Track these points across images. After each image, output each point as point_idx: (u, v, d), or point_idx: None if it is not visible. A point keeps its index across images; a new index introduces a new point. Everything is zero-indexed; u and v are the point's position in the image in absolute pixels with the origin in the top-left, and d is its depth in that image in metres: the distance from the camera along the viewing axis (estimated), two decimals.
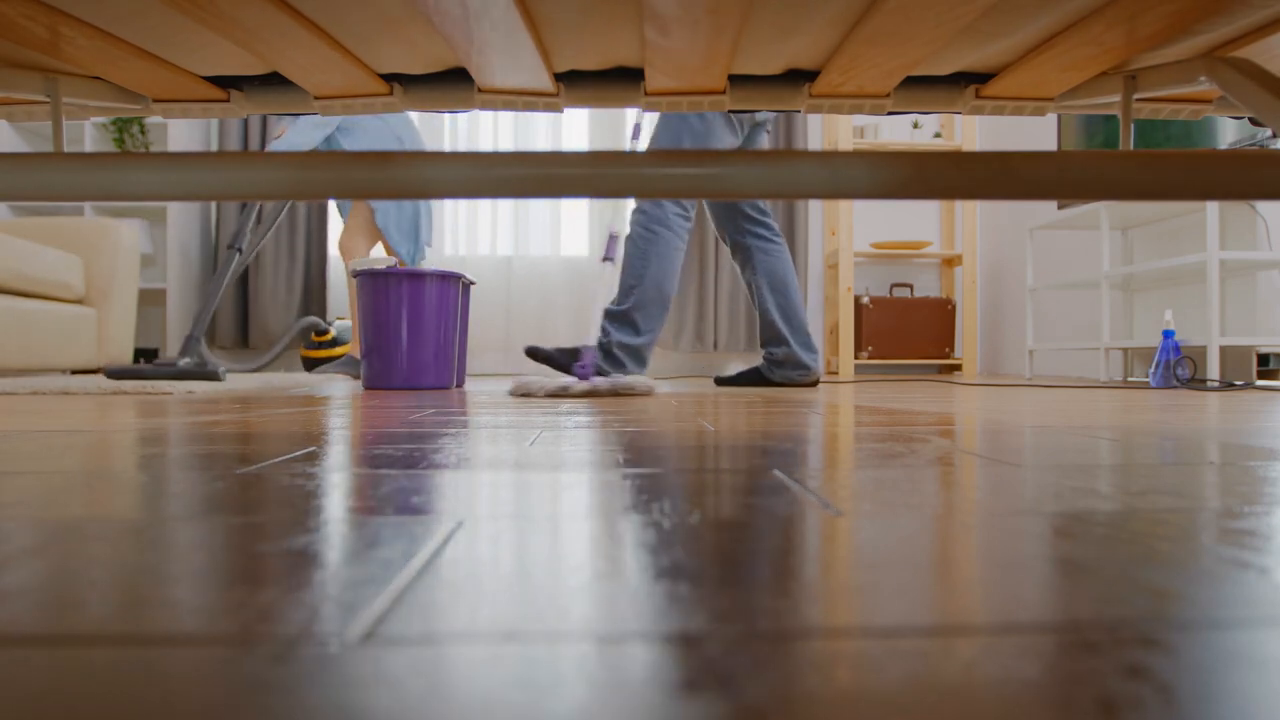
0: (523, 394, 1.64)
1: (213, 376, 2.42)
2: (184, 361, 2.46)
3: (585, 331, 3.95)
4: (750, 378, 2.26)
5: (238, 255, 2.75)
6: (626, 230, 2.05)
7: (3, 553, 0.32)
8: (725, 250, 4.07)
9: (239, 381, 2.41)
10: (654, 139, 2.04)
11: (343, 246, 3.10)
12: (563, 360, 2.02)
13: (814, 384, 2.21)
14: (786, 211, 4.06)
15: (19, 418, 1.05)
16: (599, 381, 1.68)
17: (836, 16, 0.72)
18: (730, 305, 4.06)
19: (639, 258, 2.03)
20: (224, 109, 0.92)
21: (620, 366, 2.02)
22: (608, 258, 1.87)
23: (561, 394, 1.63)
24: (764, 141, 2.21)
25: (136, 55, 0.79)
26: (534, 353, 2.02)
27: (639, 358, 2.03)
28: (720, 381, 2.33)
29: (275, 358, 3.09)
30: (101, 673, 0.20)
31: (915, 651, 0.22)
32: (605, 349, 2.02)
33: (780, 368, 2.18)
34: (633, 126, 2.18)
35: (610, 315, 2.04)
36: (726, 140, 2.04)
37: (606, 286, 1.84)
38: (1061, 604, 0.26)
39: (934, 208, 4.25)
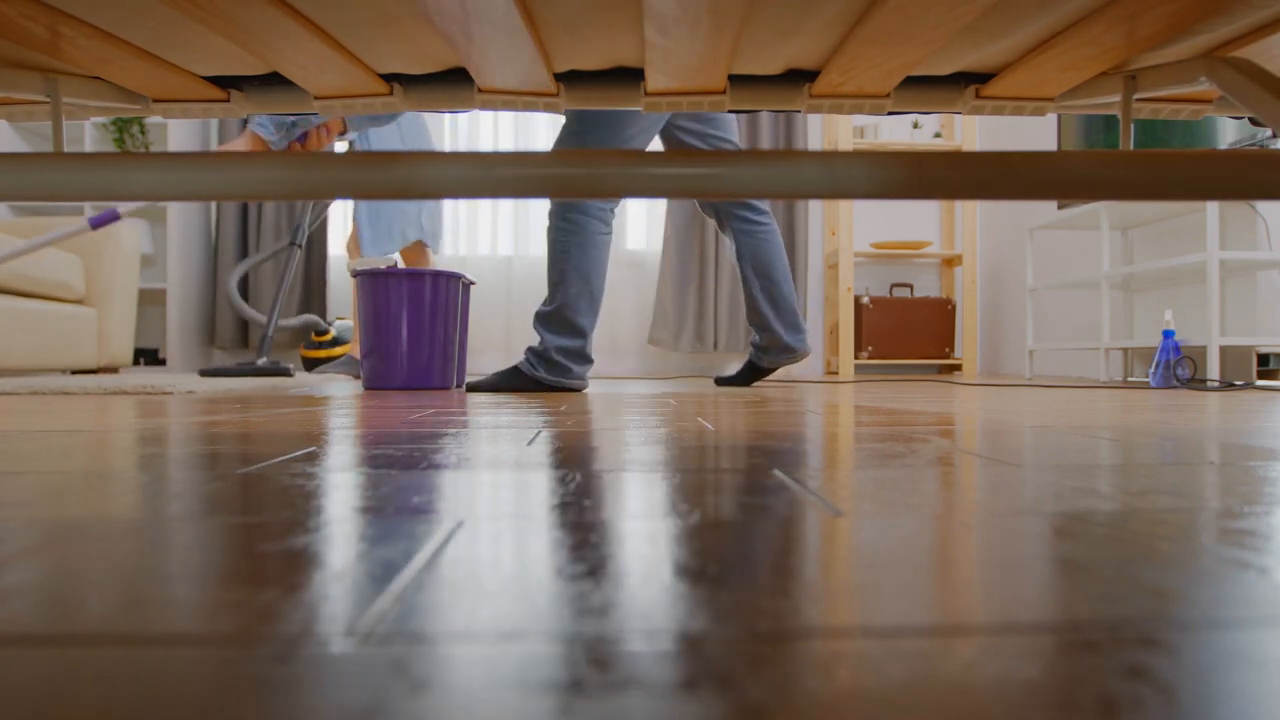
0: None
1: (285, 373, 2.80)
2: (261, 361, 2.90)
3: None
4: (745, 373, 2.25)
5: (298, 251, 3.07)
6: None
7: (3, 553, 0.32)
8: (725, 250, 4.07)
9: (283, 379, 2.53)
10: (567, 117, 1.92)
11: (349, 247, 3.12)
12: (502, 382, 1.90)
13: (802, 358, 2.19)
14: (786, 211, 4.06)
15: (19, 418, 1.05)
16: None
17: (836, 17, 0.72)
18: (730, 305, 4.05)
19: (559, 252, 1.89)
20: (224, 109, 0.92)
21: (564, 372, 1.88)
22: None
23: None
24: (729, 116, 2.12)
25: (136, 55, 0.79)
26: (475, 388, 1.91)
27: (581, 357, 1.90)
28: (720, 382, 2.33)
29: (269, 339, 3.13)
30: (101, 673, 0.20)
31: (915, 651, 0.22)
32: (543, 355, 1.88)
33: (767, 353, 2.18)
34: None
35: (541, 318, 1.90)
36: (637, 118, 1.88)
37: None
38: (1061, 604, 0.26)
39: (934, 208, 4.25)
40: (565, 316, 1.88)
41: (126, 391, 1.83)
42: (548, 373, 1.89)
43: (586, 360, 1.92)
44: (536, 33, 0.75)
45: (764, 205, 2.15)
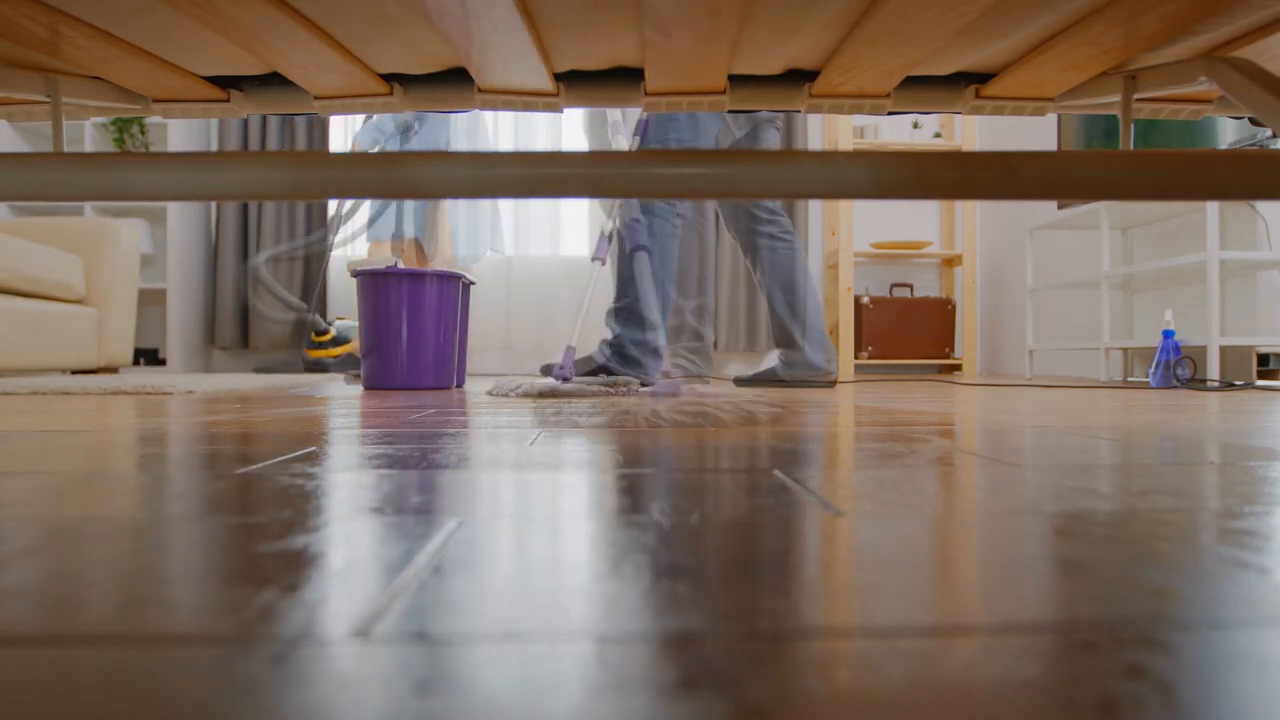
0: (501, 394, 1.61)
1: (323, 370, 3.18)
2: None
3: (586, 333, 3.95)
4: (767, 377, 2.25)
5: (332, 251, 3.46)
6: (615, 225, 1.96)
7: (3, 553, 0.32)
8: (725, 250, 4.07)
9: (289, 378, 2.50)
10: (645, 139, 1.99)
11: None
12: (581, 371, 1.94)
13: (830, 385, 2.16)
14: (787, 211, 4.06)
15: (19, 418, 1.05)
16: (585, 381, 1.64)
17: (836, 17, 0.72)
18: (730, 305, 4.06)
19: (632, 249, 1.95)
20: (224, 109, 0.92)
21: (637, 365, 1.92)
22: (597, 258, 1.82)
23: (546, 395, 1.57)
24: (774, 139, 2.15)
25: (136, 55, 0.79)
26: (548, 370, 1.98)
27: (653, 352, 1.94)
28: (739, 382, 2.32)
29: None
30: (102, 673, 0.20)
31: (915, 651, 0.22)
32: (618, 349, 1.92)
33: (792, 368, 2.17)
34: (639, 123, 2.07)
35: (614, 314, 1.95)
36: (717, 139, 1.98)
37: (594, 288, 1.80)
38: (1061, 604, 0.26)
39: (934, 208, 4.25)
40: (638, 311, 1.93)
41: (127, 391, 1.83)
42: (622, 365, 1.94)
43: (659, 355, 1.96)
44: (536, 32, 0.75)
45: (787, 221, 2.16)
